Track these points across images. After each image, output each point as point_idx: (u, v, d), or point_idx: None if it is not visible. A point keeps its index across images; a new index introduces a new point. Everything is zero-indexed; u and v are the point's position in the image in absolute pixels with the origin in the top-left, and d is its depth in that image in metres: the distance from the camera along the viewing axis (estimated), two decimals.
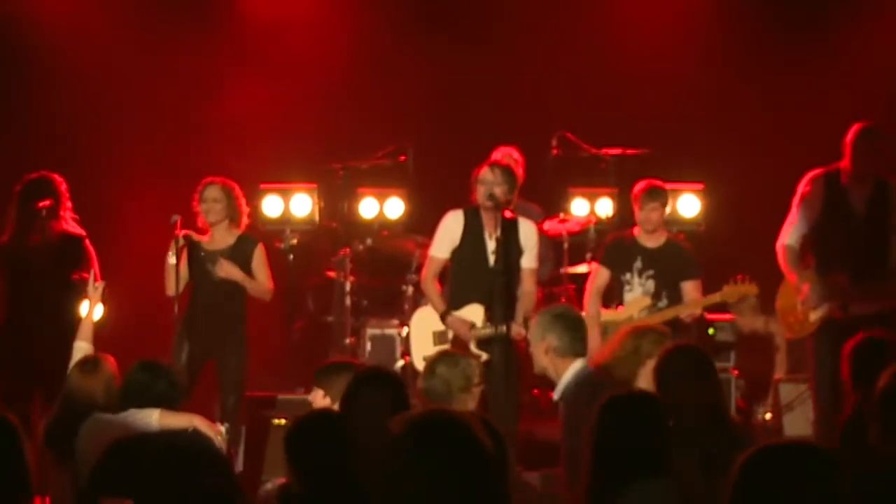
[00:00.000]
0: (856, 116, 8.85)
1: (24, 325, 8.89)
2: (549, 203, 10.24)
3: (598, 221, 10.31)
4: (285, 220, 10.65)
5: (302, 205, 10.65)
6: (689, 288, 8.77)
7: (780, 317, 8.95)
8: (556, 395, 6.45)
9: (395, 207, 10.87)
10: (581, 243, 10.14)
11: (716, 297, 8.74)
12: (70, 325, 8.50)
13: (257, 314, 10.48)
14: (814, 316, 8.50)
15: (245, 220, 8.93)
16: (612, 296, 9.00)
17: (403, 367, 9.94)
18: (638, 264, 8.86)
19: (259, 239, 9.00)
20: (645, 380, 6.26)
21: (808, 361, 8.88)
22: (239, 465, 9.08)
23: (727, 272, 8.83)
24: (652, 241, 8.86)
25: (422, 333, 8.81)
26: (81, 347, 7.39)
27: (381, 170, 10.75)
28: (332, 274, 10.66)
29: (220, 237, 8.78)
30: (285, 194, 10.69)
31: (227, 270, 8.73)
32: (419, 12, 11.61)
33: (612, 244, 9.01)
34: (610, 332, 8.66)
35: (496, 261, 8.38)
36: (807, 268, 8.62)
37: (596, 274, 9.01)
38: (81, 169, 9.52)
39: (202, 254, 8.82)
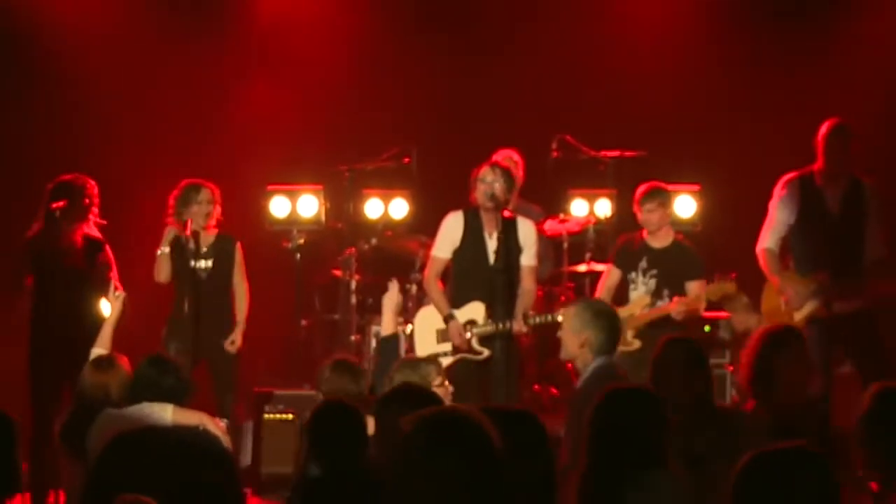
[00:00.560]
0: (850, 117, 8.84)
1: (47, 326, 8.94)
2: (549, 204, 10.28)
3: (597, 222, 10.36)
4: (292, 220, 10.65)
5: (308, 206, 10.67)
6: (693, 287, 8.83)
7: (765, 319, 8.90)
8: (578, 385, 6.54)
9: (399, 208, 10.93)
10: (580, 243, 10.18)
11: (701, 296, 8.74)
12: (91, 326, 8.49)
13: (264, 312, 10.46)
14: (798, 316, 8.51)
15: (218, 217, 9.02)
16: (622, 294, 9.03)
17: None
18: (643, 264, 8.92)
19: (236, 238, 9.07)
20: None
21: None
22: (247, 460, 9.25)
23: (722, 270, 8.85)
24: (659, 242, 8.94)
25: (426, 331, 8.82)
26: (98, 354, 7.36)
27: (385, 172, 10.76)
28: (337, 273, 10.67)
29: (202, 236, 8.88)
30: (292, 195, 10.69)
31: (237, 342, 8.91)
32: (423, 20, 11.58)
33: (623, 245, 9.07)
34: None
35: (497, 259, 8.40)
36: (787, 269, 8.66)
37: (608, 273, 9.09)
38: (89, 170, 9.42)
39: (189, 251, 8.85)
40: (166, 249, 8.82)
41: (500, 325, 8.28)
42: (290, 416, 9.18)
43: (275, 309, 10.56)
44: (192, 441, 3.59)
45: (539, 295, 9.09)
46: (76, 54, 11.31)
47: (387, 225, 10.91)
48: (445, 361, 8.33)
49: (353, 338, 10.50)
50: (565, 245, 10.13)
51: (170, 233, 8.85)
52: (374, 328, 10.41)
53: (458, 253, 8.61)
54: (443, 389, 6.13)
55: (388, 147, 10.71)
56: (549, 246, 10.00)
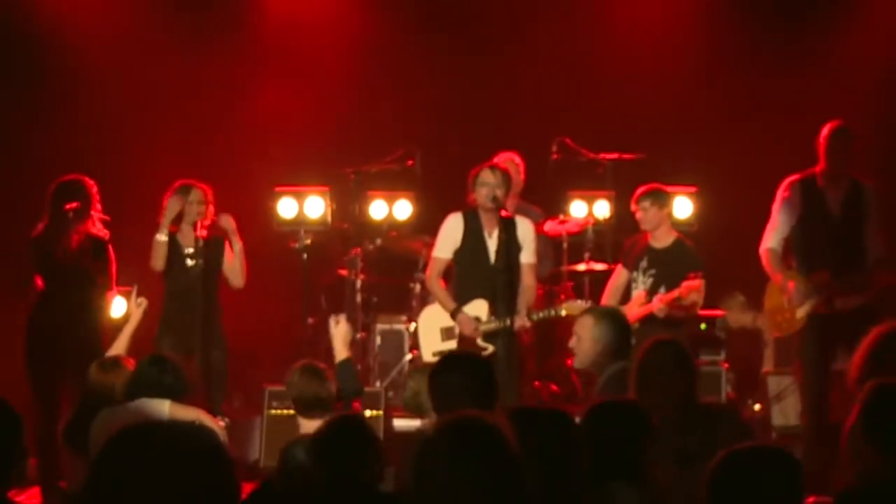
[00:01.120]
0: (846, 120, 8.82)
1: (50, 323, 8.91)
2: (549, 205, 10.31)
3: (596, 222, 10.41)
4: (299, 221, 10.70)
5: (315, 207, 10.71)
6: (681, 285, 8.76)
7: (768, 317, 8.98)
8: (598, 389, 6.65)
9: (403, 209, 10.98)
10: (580, 243, 10.23)
11: (674, 294, 8.71)
12: (94, 323, 8.76)
13: (272, 311, 10.62)
14: (800, 313, 8.56)
15: (212, 218, 9.03)
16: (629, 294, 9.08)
17: (412, 361, 10.05)
18: (643, 264, 9.00)
19: (223, 236, 9.07)
20: None
21: (796, 356, 8.91)
22: (255, 454, 9.25)
23: (718, 271, 8.94)
24: (660, 242, 9.01)
25: (430, 329, 8.90)
26: (106, 356, 7.37)
27: (390, 174, 10.77)
28: (343, 272, 10.70)
29: (190, 235, 8.92)
30: (299, 197, 10.74)
31: (228, 222, 8.90)
32: (425, 27, 11.62)
33: (629, 246, 9.15)
34: None
35: (497, 258, 8.43)
36: (789, 268, 8.69)
37: (616, 274, 9.18)
38: (97, 171, 9.47)
39: (181, 249, 8.91)
40: (163, 237, 8.84)
41: (503, 322, 8.31)
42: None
43: (282, 307, 10.70)
44: (190, 435, 3.60)
45: (539, 293, 9.13)
46: (85, 56, 11.34)
47: (391, 225, 10.97)
48: None
49: (358, 335, 10.45)
50: (565, 245, 10.20)
51: (168, 213, 8.85)
52: (378, 326, 10.55)
53: (459, 253, 8.66)
54: None
55: (392, 150, 10.74)
56: (549, 246, 10.04)
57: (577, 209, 10.68)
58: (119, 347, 7.56)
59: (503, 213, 8.44)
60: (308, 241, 10.69)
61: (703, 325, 10.22)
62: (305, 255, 10.68)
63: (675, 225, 10.09)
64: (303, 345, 10.33)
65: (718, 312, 10.30)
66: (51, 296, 8.96)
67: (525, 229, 8.63)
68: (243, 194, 9.61)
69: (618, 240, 9.82)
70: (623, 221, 9.82)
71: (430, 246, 9.26)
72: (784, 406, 9.88)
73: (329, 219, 10.78)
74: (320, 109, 11.49)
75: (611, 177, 10.48)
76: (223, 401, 8.99)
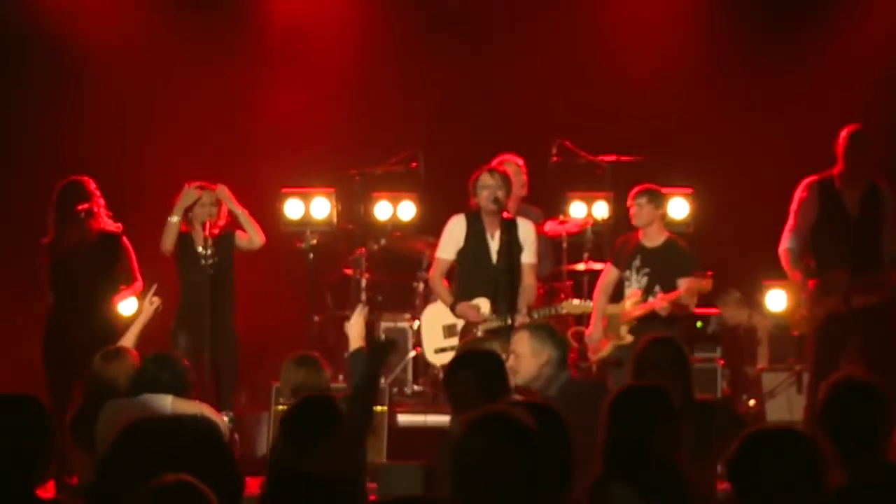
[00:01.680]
0: (836, 122, 9.01)
1: (66, 322, 9.00)
2: (549, 206, 10.33)
3: (595, 223, 10.43)
4: (306, 221, 10.73)
5: (321, 208, 10.75)
6: (682, 284, 8.89)
7: (788, 315, 9.11)
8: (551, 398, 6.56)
9: (407, 210, 11.00)
10: (579, 243, 10.27)
11: (681, 292, 8.81)
12: (111, 322, 8.84)
13: (279, 309, 10.64)
14: (819, 310, 8.69)
15: (225, 217, 9.10)
16: (620, 292, 9.15)
17: (415, 358, 10.20)
18: (637, 262, 9.05)
19: (234, 230, 9.11)
20: None
21: (808, 351, 9.01)
22: (263, 449, 9.38)
23: (714, 270, 8.96)
24: (652, 242, 9.06)
25: (432, 327, 9.04)
26: (107, 347, 7.36)
27: (394, 175, 10.86)
28: (349, 272, 10.78)
29: (201, 234, 8.97)
30: (306, 198, 10.77)
31: (224, 192, 9.00)
32: (429, 34, 11.68)
33: (620, 246, 9.21)
34: (611, 323, 9.02)
35: (499, 259, 8.58)
36: (807, 268, 8.78)
37: (606, 272, 9.24)
38: (106, 173, 9.60)
39: (196, 249, 8.97)
40: (176, 219, 8.93)
41: (505, 320, 8.37)
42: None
43: (289, 305, 10.78)
44: (193, 428, 3.76)
45: (540, 292, 9.19)
46: (93, 58, 11.39)
47: (395, 226, 10.99)
48: (449, 357, 8.25)
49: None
50: (564, 245, 10.22)
51: (183, 199, 8.95)
52: (383, 324, 10.62)
53: (462, 254, 8.79)
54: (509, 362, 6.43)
55: (396, 152, 10.82)
56: (549, 246, 10.04)
57: (577, 210, 10.72)
58: (127, 342, 7.63)
59: (505, 214, 8.55)
60: (314, 241, 10.74)
61: (699, 323, 10.30)
62: (311, 255, 10.73)
63: (672, 225, 10.22)
64: (309, 342, 10.30)
65: (714, 310, 10.38)
66: (68, 297, 9.04)
67: (526, 230, 8.75)
68: (251, 195, 9.57)
69: (616, 240, 9.81)
70: (621, 222, 9.87)
71: (434, 246, 9.37)
72: (778, 402, 9.99)
73: (335, 219, 10.82)
74: (326, 113, 11.50)
75: (609, 178, 10.54)
76: (232, 397, 9.06)
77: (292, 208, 10.82)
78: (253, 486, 4.08)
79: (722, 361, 10.23)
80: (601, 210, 10.64)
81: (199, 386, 8.01)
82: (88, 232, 9.04)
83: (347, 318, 10.51)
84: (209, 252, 8.94)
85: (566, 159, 10.61)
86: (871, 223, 8.76)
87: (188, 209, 9.06)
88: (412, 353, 10.30)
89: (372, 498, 6.55)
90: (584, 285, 10.28)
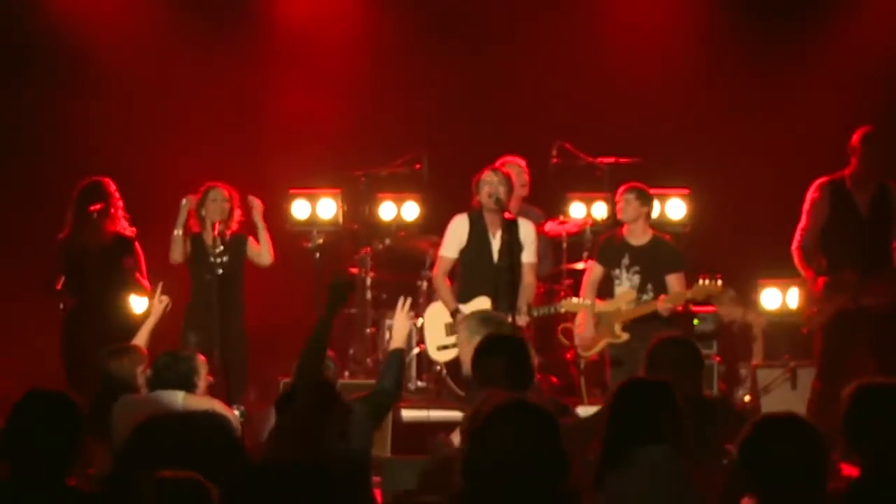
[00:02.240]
0: (833, 123, 9.16)
1: (80, 320, 9.17)
2: (549, 206, 10.45)
3: (594, 223, 10.50)
4: (312, 222, 10.84)
5: (327, 208, 10.86)
6: (672, 280, 9.04)
7: (799, 312, 9.23)
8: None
9: (411, 210, 11.09)
10: (578, 243, 10.35)
11: (687, 294, 8.95)
12: (123, 320, 8.93)
13: (286, 307, 10.65)
14: (828, 309, 8.78)
15: (238, 219, 9.22)
16: (606, 289, 9.21)
17: (418, 355, 10.23)
18: (626, 261, 9.10)
19: (247, 235, 9.25)
20: None
21: (816, 347, 9.09)
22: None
23: (710, 269, 9.01)
24: (637, 240, 9.12)
25: (435, 325, 9.18)
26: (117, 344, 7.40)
27: (398, 177, 10.96)
28: (354, 270, 10.85)
29: (220, 234, 9.06)
30: (312, 199, 10.88)
31: (257, 205, 9.16)
32: (433, 40, 11.75)
33: (604, 243, 9.26)
34: (602, 321, 9.09)
35: (500, 258, 8.69)
36: (819, 267, 8.89)
37: (590, 270, 9.29)
38: (118, 173, 9.68)
39: (207, 247, 9.08)
40: (178, 231, 9.05)
41: (505, 318, 8.22)
42: None
43: (296, 304, 10.82)
44: (205, 423, 3.94)
45: (540, 291, 9.32)
46: (103, 60, 11.51)
47: (399, 226, 11.08)
48: (452, 354, 8.74)
49: (368, 330, 10.76)
50: (564, 245, 10.28)
51: (182, 210, 9.07)
52: (387, 322, 10.60)
53: (464, 252, 8.91)
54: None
55: (400, 154, 10.93)
56: (550, 245, 10.18)
57: (576, 210, 10.79)
58: (139, 341, 7.69)
59: (506, 214, 8.62)
60: (320, 241, 10.85)
61: (695, 321, 10.34)
62: (318, 254, 10.83)
63: (670, 225, 10.40)
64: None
65: (710, 308, 10.40)
66: (82, 294, 9.18)
67: (526, 230, 8.88)
68: (259, 196, 9.63)
69: (598, 238, 9.87)
70: (620, 222, 9.79)
71: (437, 245, 9.48)
72: (773, 397, 10.01)
73: (340, 219, 10.92)
74: (331, 116, 11.60)
75: (608, 180, 10.56)
76: (242, 393, 9.16)
77: (299, 209, 10.93)
78: None
79: (718, 358, 10.30)
80: (600, 210, 10.71)
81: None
82: (102, 232, 9.18)
83: (352, 315, 10.90)
84: (219, 251, 9.03)
85: (566, 161, 10.69)
86: (882, 224, 8.84)
87: (200, 209, 9.20)
88: (415, 350, 10.35)
89: (376, 491, 6.67)
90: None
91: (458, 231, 8.96)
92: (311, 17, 11.96)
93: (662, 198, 10.57)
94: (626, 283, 9.15)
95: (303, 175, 11.19)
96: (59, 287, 9.22)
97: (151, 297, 8.26)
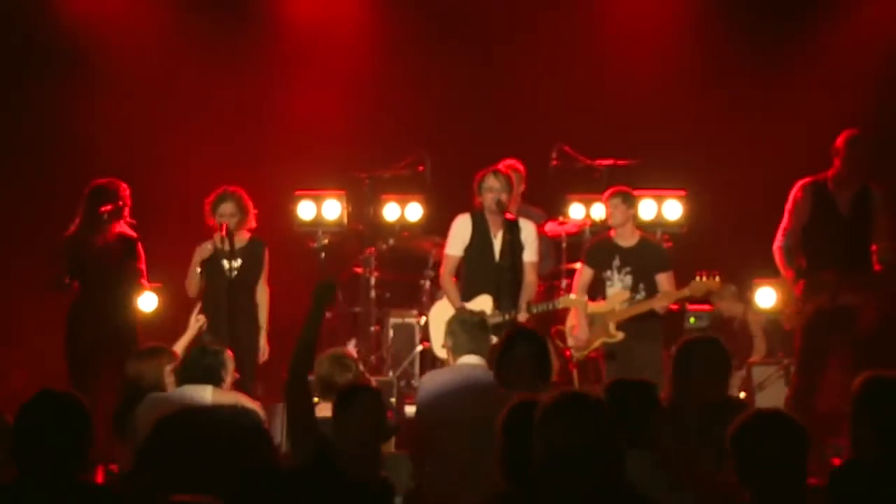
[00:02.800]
0: (827, 124, 9.19)
1: (83, 320, 9.22)
2: (549, 207, 10.56)
3: (593, 224, 10.57)
4: (317, 222, 10.92)
5: (332, 209, 10.92)
6: (663, 279, 9.16)
7: (779, 310, 9.31)
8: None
9: (414, 211, 11.15)
10: (578, 243, 10.34)
11: (685, 292, 9.03)
12: (126, 317, 9.07)
13: (292, 306, 10.87)
14: (808, 307, 8.85)
15: (253, 222, 9.13)
16: (596, 290, 9.29)
17: (423, 352, 10.34)
18: (616, 262, 9.21)
19: (266, 243, 9.21)
20: None
21: (795, 345, 9.12)
22: (278, 438, 9.27)
23: (706, 268, 9.10)
24: (626, 241, 9.24)
25: (440, 323, 8.72)
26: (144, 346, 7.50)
27: (402, 178, 11.05)
28: (359, 270, 10.97)
29: (235, 238, 8.99)
30: (317, 200, 10.95)
31: (264, 349, 9.08)
32: (435, 44, 11.84)
33: (593, 246, 9.38)
34: (596, 322, 9.20)
35: (502, 257, 8.76)
36: (799, 266, 8.95)
37: (580, 272, 9.38)
38: (126, 176, 9.64)
39: (221, 251, 8.99)
40: (196, 269, 8.99)
41: (507, 315, 8.53)
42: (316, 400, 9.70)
43: (301, 303, 10.46)
44: (232, 417, 4.01)
45: (540, 289, 9.37)
46: (113, 64, 11.56)
47: (403, 227, 11.14)
48: None
49: (372, 328, 10.85)
50: (564, 245, 10.38)
51: (200, 252, 8.97)
52: (391, 320, 10.80)
53: (467, 251, 9.00)
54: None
55: (404, 156, 11.04)
56: (550, 245, 10.28)
57: (576, 211, 10.87)
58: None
59: (508, 215, 8.75)
60: (325, 241, 10.92)
61: (692, 319, 10.45)
62: (323, 254, 10.91)
63: (667, 226, 10.52)
64: (321, 337, 10.19)
65: (707, 307, 10.52)
66: (85, 292, 9.26)
67: (528, 230, 8.99)
68: (265, 198, 9.67)
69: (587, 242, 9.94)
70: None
71: (440, 245, 9.61)
72: (767, 394, 10.13)
73: (345, 220, 10.98)
74: (336, 118, 11.69)
75: (606, 181, 10.55)
76: (252, 392, 8.99)
77: (305, 210, 11.00)
78: None
79: None
80: (599, 211, 10.71)
81: None
82: (108, 233, 9.24)
83: (357, 314, 10.97)
84: (237, 255, 9.04)
85: (565, 163, 10.78)
86: (862, 224, 8.89)
87: (213, 213, 9.17)
88: (419, 348, 10.45)
89: None
90: None
91: (461, 230, 9.05)
92: (317, 20, 12.03)
93: (659, 199, 10.69)
94: (618, 284, 9.26)
95: (308, 177, 11.23)
96: (68, 282, 9.23)
97: (190, 316, 8.31)
